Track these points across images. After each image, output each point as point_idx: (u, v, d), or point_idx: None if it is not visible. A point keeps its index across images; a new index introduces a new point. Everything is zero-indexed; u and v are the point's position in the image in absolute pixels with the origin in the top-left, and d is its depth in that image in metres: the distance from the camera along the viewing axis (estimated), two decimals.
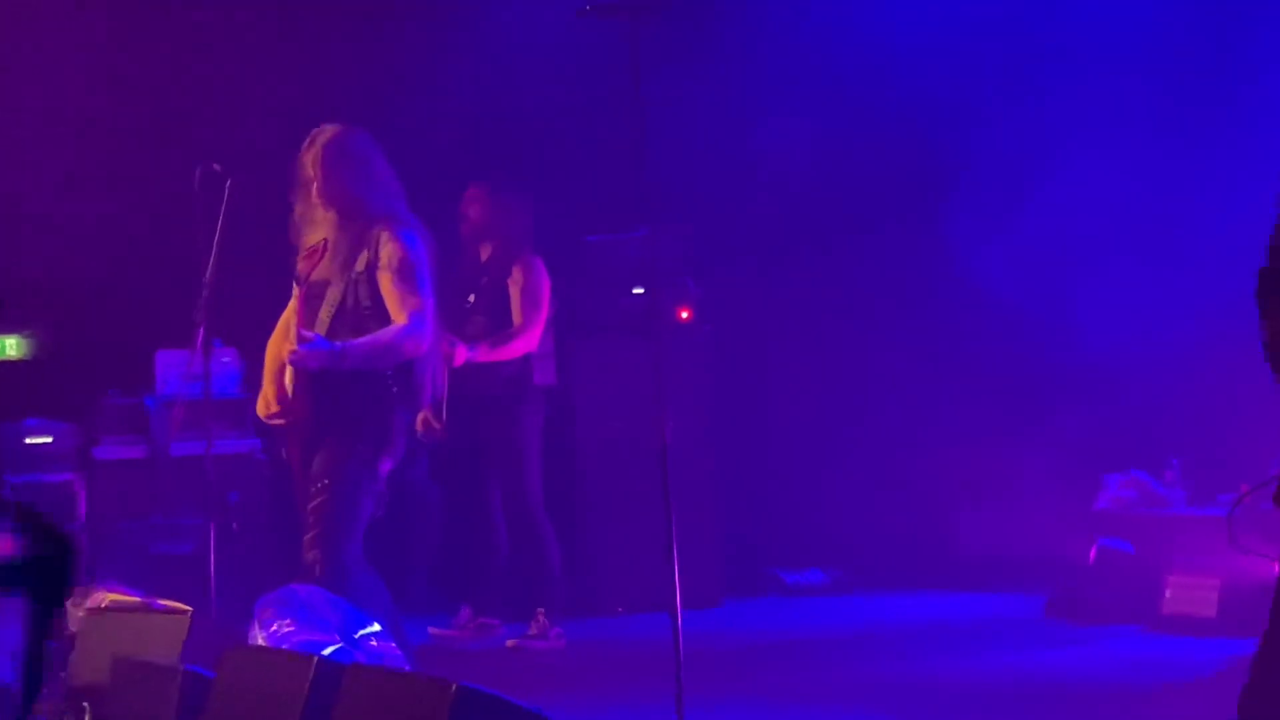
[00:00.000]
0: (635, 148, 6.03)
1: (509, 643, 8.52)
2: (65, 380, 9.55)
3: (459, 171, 9.15)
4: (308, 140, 6.78)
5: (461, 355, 8.31)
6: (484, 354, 8.41)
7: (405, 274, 6.58)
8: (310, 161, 6.72)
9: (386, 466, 6.65)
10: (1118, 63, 9.61)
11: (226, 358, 9.18)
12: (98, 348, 9.64)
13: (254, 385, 9.14)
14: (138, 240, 9.59)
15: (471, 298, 8.63)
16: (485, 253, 8.70)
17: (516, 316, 8.51)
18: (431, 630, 8.70)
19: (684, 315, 9.59)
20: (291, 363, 6.52)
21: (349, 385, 6.54)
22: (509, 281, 8.58)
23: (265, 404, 6.70)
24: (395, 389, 6.60)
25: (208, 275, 7.08)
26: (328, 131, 6.76)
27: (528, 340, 8.51)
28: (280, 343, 6.71)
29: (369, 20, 10.17)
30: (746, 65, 10.20)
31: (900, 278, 10.28)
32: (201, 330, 7.17)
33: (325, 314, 6.62)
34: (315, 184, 6.69)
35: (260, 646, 5.86)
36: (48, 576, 3.54)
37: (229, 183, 7.07)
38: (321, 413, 6.56)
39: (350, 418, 6.57)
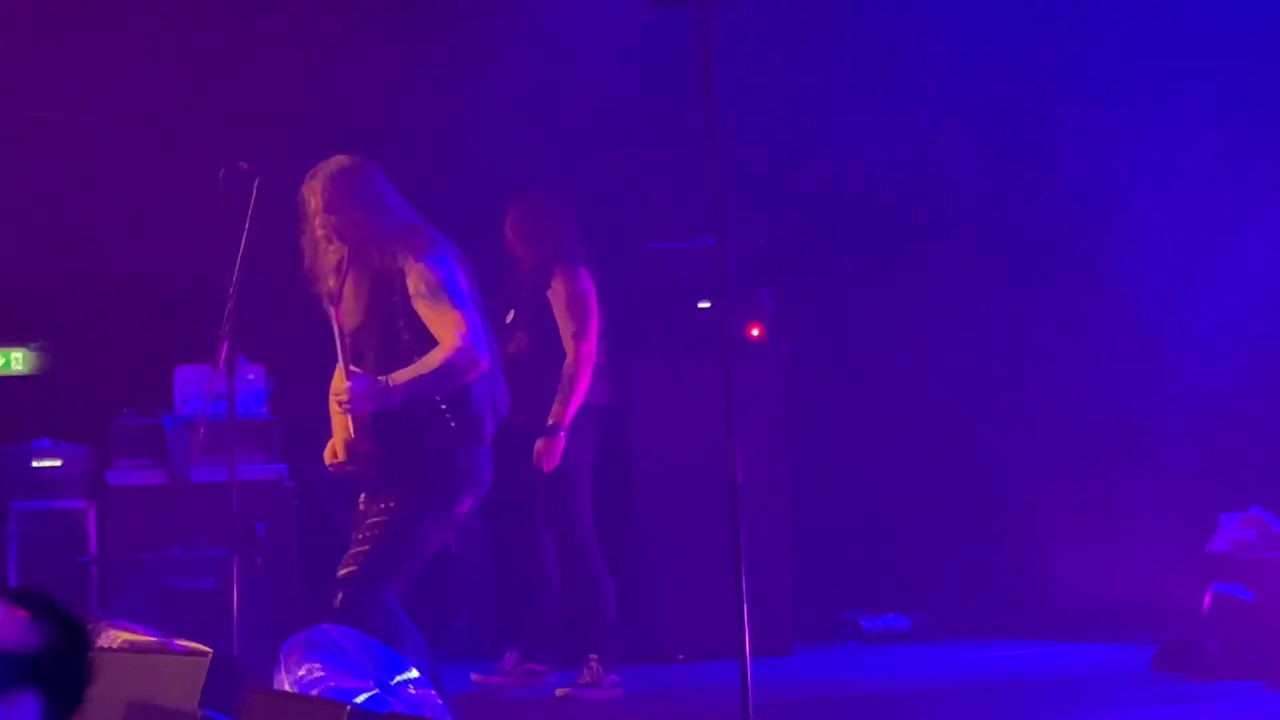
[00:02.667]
0: (704, 147, 5.99)
1: (559, 691, 8.48)
2: (77, 398, 9.58)
3: (511, 174, 9.14)
4: (310, 174, 6.87)
5: (562, 440, 8.39)
6: (569, 408, 8.39)
7: (436, 294, 6.66)
8: (311, 192, 6.82)
9: (465, 505, 6.79)
10: (1235, 64, 9.53)
11: (252, 375, 9.19)
12: (112, 363, 9.66)
13: (281, 406, 9.21)
14: (156, 246, 9.60)
15: (510, 315, 8.61)
16: (525, 267, 8.67)
17: (565, 336, 8.47)
18: (474, 677, 8.67)
19: (755, 333, 9.54)
20: (343, 407, 6.64)
21: (409, 427, 6.63)
22: (548, 294, 8.55)
23: (332, 454, 6.79)
24: (453, 424, 6.65)
25: (232, 284, 7.07)
26: (331, 163, 6.85)
27: (588, 358, 8.48)
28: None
29: (415, 10, 10.17)
30: (827, 59, 10.16)
31: (994, 295, 10.22)
32: (225, 345, 7.15)
33: (371, 355, 6.73)
34: (318, 217, 6.77)
35: (287, 692, 5.83)
36: (61, 672, 3.49)
37: (257, 183, 7.07)
38: (387, 459, 6.64)
39: (416, 461, 6.66)
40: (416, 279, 6.65)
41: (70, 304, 9.63)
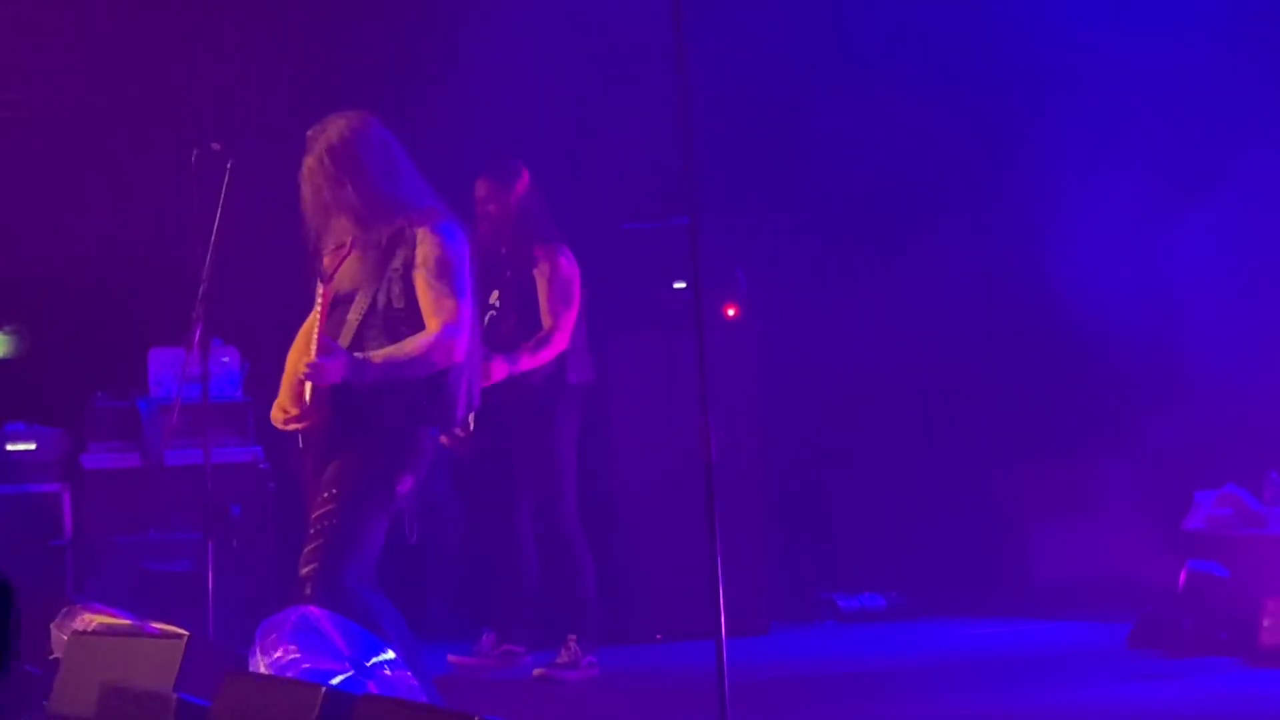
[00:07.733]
0: (678, 126, 5.97)
1: (536, 672, 8.48)
2: (50, 381, 9.56)
3: (482, 155, 9.12)
4: (310, 140, 6.58)
5: (501, 370, 8.30)
6: (526, 363, 8.39)
7: (441, 273, 6.46)
8: (314, 168, 6.54)
9: (407, 484, 6.58)
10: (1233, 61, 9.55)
11: (226, 357, 9.17)
12: (86, 345, 9.65)
13: (256, 388, 9.19)
14: (129, 228, 9.59)
15: (495, 296, 8.58)
16: (504, 246, 8.62)
17: (545, 314, 8.47)
18: (451, 658, 8.67)
19: (730, 312, 9.55)
20: (307, 377, 6.39)
21: (375, 393, 6.46)
22: (535, 273, 8.54)
23: (281, 411, 6.61)
24: (424, 401, 6.52)
25: (206, 266, 7.05)
26: (331, 129, 6.55)
27: (561, 339, 8.49)
28: (301, 353, 6.63)
29: None
30: (802, 37, 10.15)
31: (970, 275, 10.23)
32: (199, 327, 7.14)
33: (354, 317, 6.52)
34: (323, 191, 6.52)
35: (262, 674, 5.82)
36: None
37: (229, 164, 7.05)
38: (343, 420, 6.48)
39: (372, 428, 6.48)
40: (427, 251, 6.44)
41: (44, 287, 9.60)
